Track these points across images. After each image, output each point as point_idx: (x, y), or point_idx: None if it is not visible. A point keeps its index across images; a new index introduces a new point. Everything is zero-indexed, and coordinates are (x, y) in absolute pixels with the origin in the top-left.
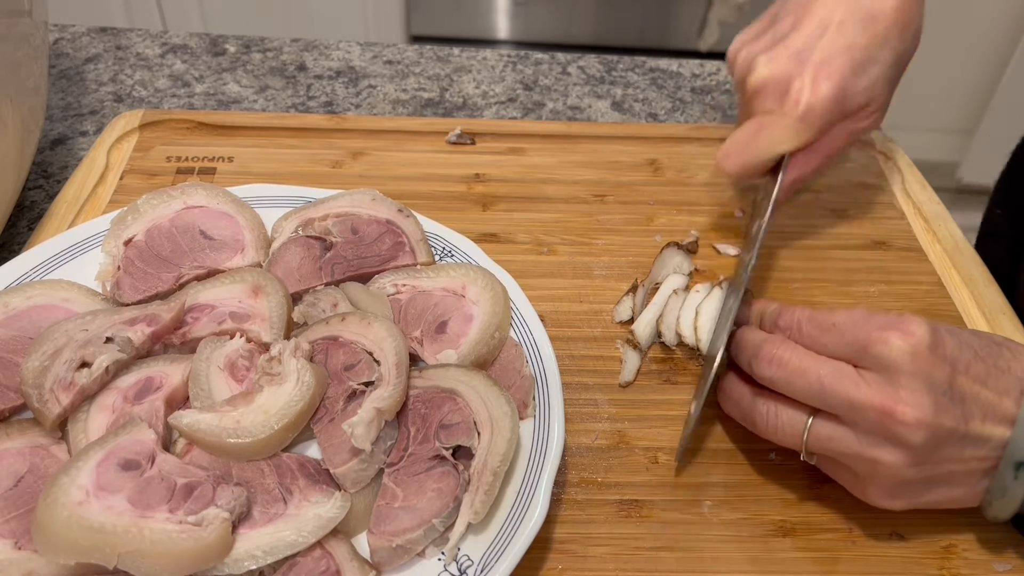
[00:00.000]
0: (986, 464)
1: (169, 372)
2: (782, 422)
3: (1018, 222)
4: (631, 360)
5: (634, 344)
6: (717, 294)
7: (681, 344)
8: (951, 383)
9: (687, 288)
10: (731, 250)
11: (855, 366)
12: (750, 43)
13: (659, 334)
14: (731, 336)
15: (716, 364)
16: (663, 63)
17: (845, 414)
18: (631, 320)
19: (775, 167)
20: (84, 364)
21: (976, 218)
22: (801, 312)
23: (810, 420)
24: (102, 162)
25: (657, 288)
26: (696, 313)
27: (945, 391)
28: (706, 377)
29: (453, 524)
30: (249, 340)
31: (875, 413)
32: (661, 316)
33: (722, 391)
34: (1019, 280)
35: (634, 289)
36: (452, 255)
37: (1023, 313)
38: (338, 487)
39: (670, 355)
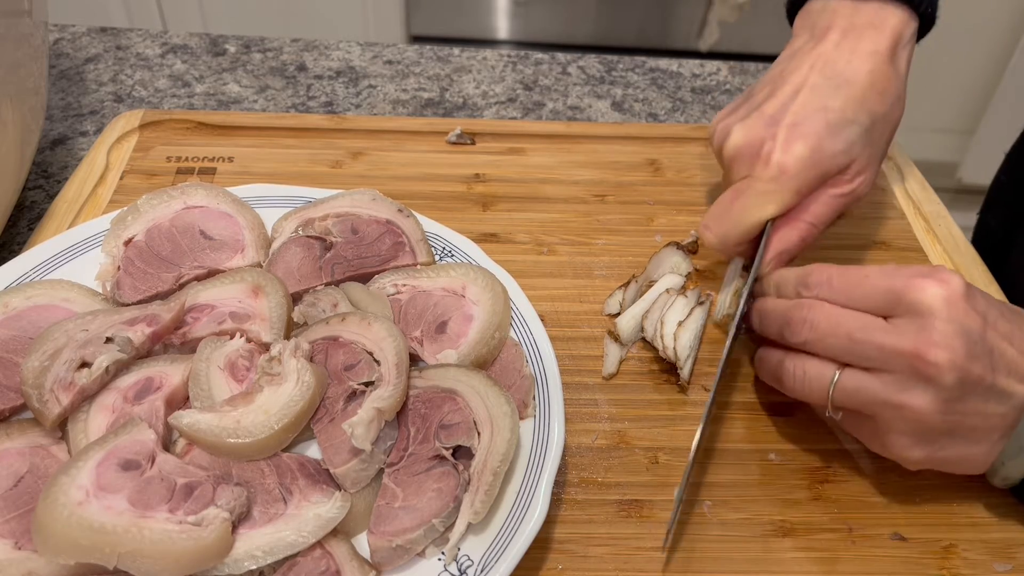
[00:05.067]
0: (1006, 421)
1: (169, 372)
2: (810, 378)
3: (1010, 227)
4: (612, 352)
5: (615, 336)
6: (699, 314)
7: (661, 349)
8: (983, 335)
9: (683, 288)
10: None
11: (886, 318)
12: (727, 116)
13: (643, 329)
14: (746, 316)
15: (709, 405)
16: (663, 63)
17: (875, 362)
18: (619, 313)
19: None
20: (84, 364)
21: (976, 218)
22: (832, 268)
23: (837, 374)
24: (102, 162)
25: (651, 285)
26: (677, 325)
27: (976, 340)
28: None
29: (453, 524)
30: (249, 340)
31: (907, 357)
32: (647, 313)
33: (757, 360)
34: (1014, 280)
35: (627, 284)
36: (452, 255)
37: None
38: (338, 487)
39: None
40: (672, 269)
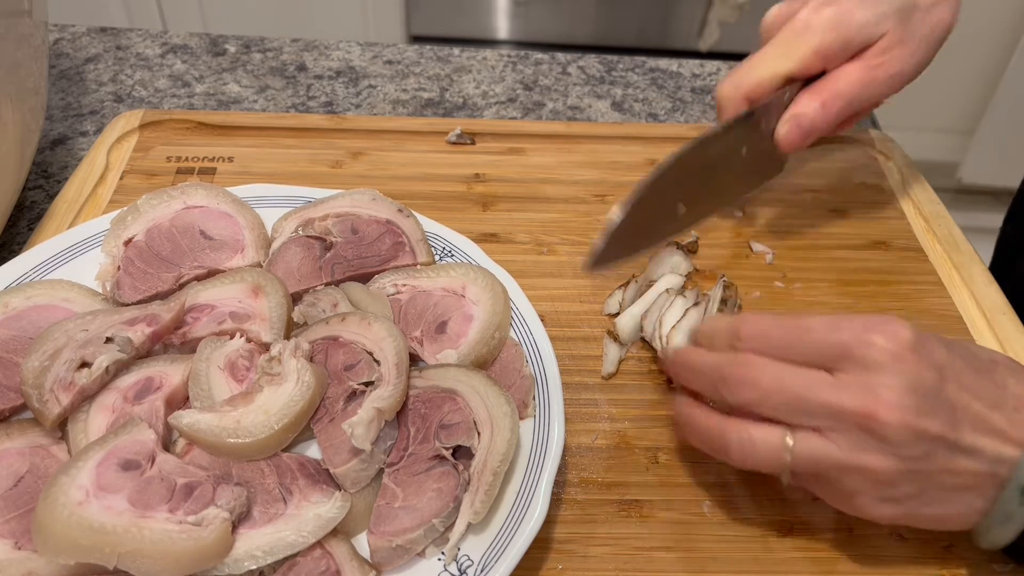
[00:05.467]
0: (980, 479)
1: (169, 372)
2: (759, 446)
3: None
4: (611, 352)
5: (614, 336)
6: (693, 315)
7: (660, 350)
8: (939, 388)
9: (683, 288)
10: (760, 247)
11: (832, 370)
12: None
13: (641, 329)
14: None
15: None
16: (663, 63)
17: (826, 424)
18: (618, 313)
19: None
20: (84, 364)
21: (976, 218)
22: (765, 319)
23: (789, 440)
24: (102, 162)
25: (651, 285)
26: (673, 327)
27: (930, 395)
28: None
29: (453, 524)
30: (249, 340)
31: (856, 417)
32: (647, 313)
33: (683, 422)
34: None
35: (627, 284)
36: (452, 255)
37: None
38: (338, 487)
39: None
40: (672, 269)
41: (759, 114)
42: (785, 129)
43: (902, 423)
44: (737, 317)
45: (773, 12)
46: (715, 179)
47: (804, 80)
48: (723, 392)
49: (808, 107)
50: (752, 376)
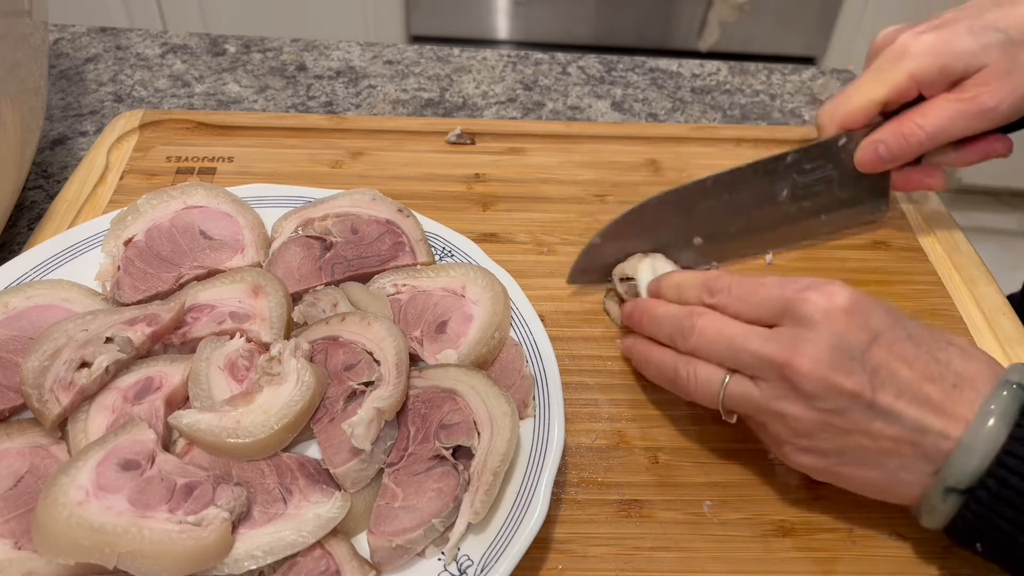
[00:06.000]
0: (901, 448)
1: (169, 372)
2: (701, 382)
3: None
4: (613, 310)
5: (616, 294)
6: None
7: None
8: (865, 351)
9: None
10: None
11: (773, 325)
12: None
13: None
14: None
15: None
16: (663, 63)
17: (753, 370)
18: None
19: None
20: (84, 364)
21: (976, 218)
22: (732, 277)
23: (727, 378)
24: (102, 162)
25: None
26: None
27: (851, 354)
28: None
29: (453, 524)
30: (249, 340)
31: (776, 365)
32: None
33: (640, 358)
34: None
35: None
36: (452, 255)
37: None
38: (338, 487)
39: None
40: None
41: (837, 145)
42: (862, 152)
43: (816, 375)
44: (708, 274)
45: (881, 35)
46: (747, 216)
47: (900, 108)
48: (677, 340)
49: (889, 134)
50: (700, 326)
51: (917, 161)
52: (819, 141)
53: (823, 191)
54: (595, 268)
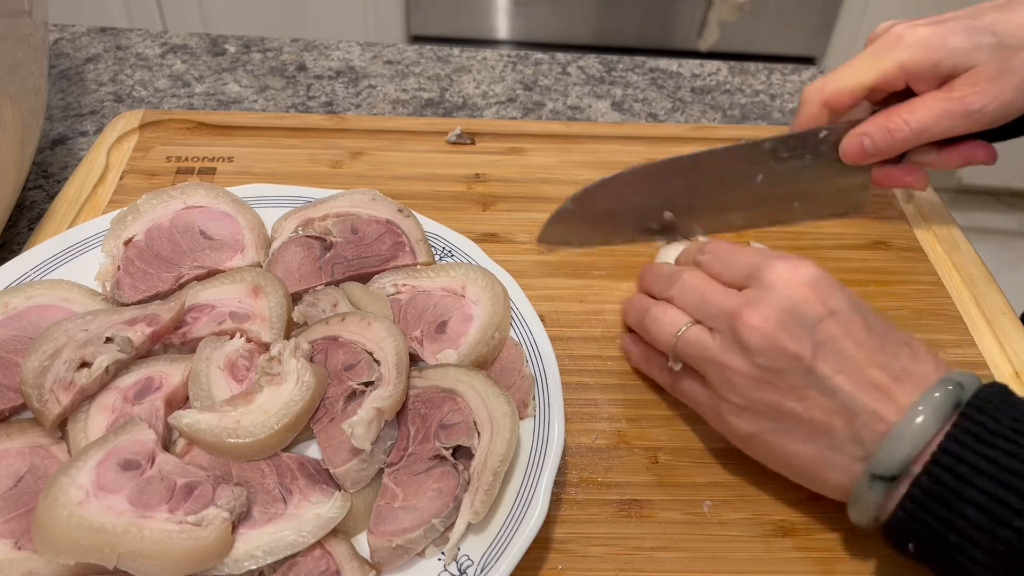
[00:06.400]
0: (835, 423)
1: (169, 372)
2: (664, 323)
3: None
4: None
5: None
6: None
7: None
8: (816, 323)
9: None
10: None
11: (743, 288)
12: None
13: None
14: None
15: None
16: (663, 63)
17: (713, 322)
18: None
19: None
20: (84, 364)
21: (976, 218)
22: (722, 243)
23: (685, 327)
24: (102, 162)
25: None
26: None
27: (804, 324)
28: None
29: (453, 524)
30: (249, 340)
31: (729, 317)
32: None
33: (628, 306)
34: None
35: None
36: (452, 255)
37: None
38: (338, 487)
39: None
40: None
41: (821, 135)
42: (847, 143)
43: (762, 331)
44: (705, 242)
45: (881, 26)
46: (720, 197)
47: (887, 98)
48: (664, 287)
49: (875, 127)
50: (684, 278)
51: (900, 159)
52: (800, 132)
53: (798, 179)
54: (566, 232)
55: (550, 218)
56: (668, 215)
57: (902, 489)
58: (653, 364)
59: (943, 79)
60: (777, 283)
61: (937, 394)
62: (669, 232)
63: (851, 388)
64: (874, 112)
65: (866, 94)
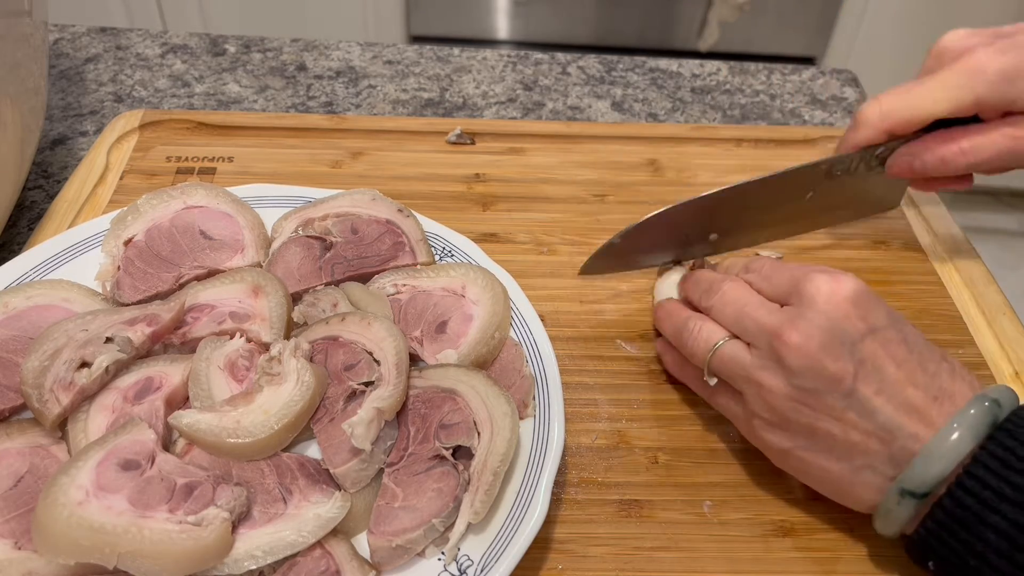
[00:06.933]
0: (871, 445)
1: (169, 372)
2: (701, 337)
3: None
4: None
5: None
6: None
7: None
8: (857, 341)
9: None
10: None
11: (784, 304)
12: (963, 31)
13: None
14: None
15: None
16: (663, 63)
17: (751, 337)
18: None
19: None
20: (84, 364)
21: (976, 218)
22: (768, 260)
23: (724, 341)
24: (102, 162)
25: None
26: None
27: (845, 342)
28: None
29: (453, 524)
30: (249, 340)
31: (769, 335)
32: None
33: (663, 313)
34: None
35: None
36: (452, 255)
37: None
38: (338, 487)
39: None
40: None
41: (878, 153)
42: (897, 162)
43: (803, 351)
44: (751, 257)
45: (951, 38)
46: (768, 214)
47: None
48: (703, 298)
49: (930, 155)
50: (724, 289)
51: None
52: (858, 151)
53: (845, 189)
54: (608, 264)
55: (596, 253)
56: (713, 236)
57: (926, 508)
58: (688, 373)
59: (1010, 111)
60: (817, 298)
61: (973, 411)
62: (711, 251)
63: (890, 410)
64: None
65: (932, 123)
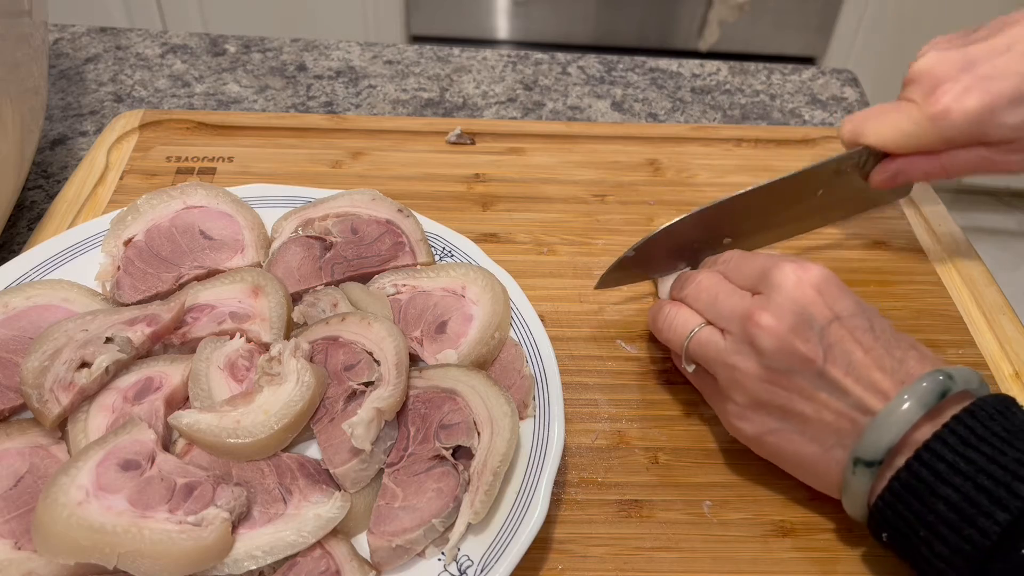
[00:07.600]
0: (842, 424)
1: (169, 372)
2: (677, 324)
3: None
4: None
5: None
6: None
7: None
8: (824, 326)
9: None
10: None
11: (755, 292)
12: (940, 40)
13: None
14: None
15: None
16: (663, 63)
17: (725, 323)
18: None
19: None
20: (84, 364)
21: (976, 218)
22: (738, 252)
23: (699, 327)
24: (102, 162)
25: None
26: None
27: (811, 324)
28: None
29: (453, 524)
30: (249, 340)
31: (741, 319)
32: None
33: (652, 313)
34: None
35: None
36: (452, 255)
37: None
38: (338, 487)
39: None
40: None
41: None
42: (879, 175)
43: (773, 332)
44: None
45: (925, 64)
46: (779, 215)
47: None
48: (680, 290)
49: (912, 169)
50: (699, 279)
51: None
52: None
53: (855, 183)
54: (622, 277)
55: (610, 268)
56: (727, 241)
57: (884, 481)
58: (677, 361)
59: (982, 142)
60: (785, 284)
61: (924, 384)
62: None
63: (859, 390)
64: None
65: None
